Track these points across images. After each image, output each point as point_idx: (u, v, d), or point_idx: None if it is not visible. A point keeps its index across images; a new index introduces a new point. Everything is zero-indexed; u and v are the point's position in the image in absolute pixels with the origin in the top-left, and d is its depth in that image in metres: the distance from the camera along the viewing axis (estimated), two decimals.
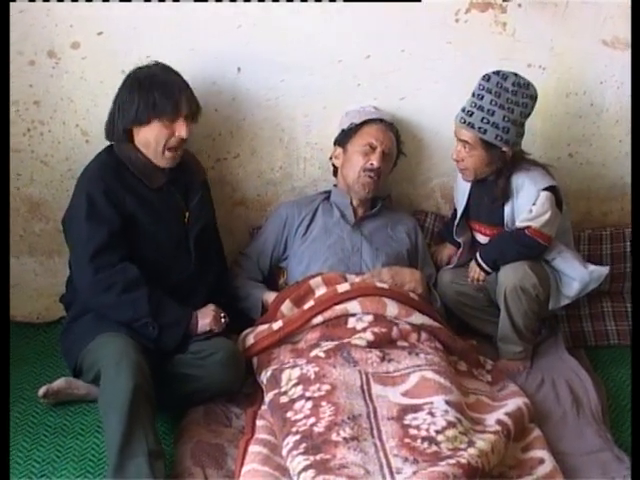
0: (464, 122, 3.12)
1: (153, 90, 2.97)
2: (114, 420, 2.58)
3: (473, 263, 3.29)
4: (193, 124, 3.09)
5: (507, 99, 3.07)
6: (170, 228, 3.10)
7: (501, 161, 3.16)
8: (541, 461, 2.66)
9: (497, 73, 3.10)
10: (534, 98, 3.12)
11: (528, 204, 3.16)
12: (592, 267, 3.25)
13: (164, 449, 2.70)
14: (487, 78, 3.10)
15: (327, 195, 3.50)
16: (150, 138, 3.02)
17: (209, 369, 2.88)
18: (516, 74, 3.11)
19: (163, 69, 3.07)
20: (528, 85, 3.11)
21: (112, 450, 2.56)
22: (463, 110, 3.13)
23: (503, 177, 3.18)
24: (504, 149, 3.13)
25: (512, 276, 3.17)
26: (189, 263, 3.11)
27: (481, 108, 3.08)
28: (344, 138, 3.40)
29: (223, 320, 3.03)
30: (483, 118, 3.08)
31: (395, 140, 3.41)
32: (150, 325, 2.89)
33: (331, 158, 3.48)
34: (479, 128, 3.09)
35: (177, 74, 3.08)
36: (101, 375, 2.72)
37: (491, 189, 3.22)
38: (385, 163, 3.36)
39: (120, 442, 2.54)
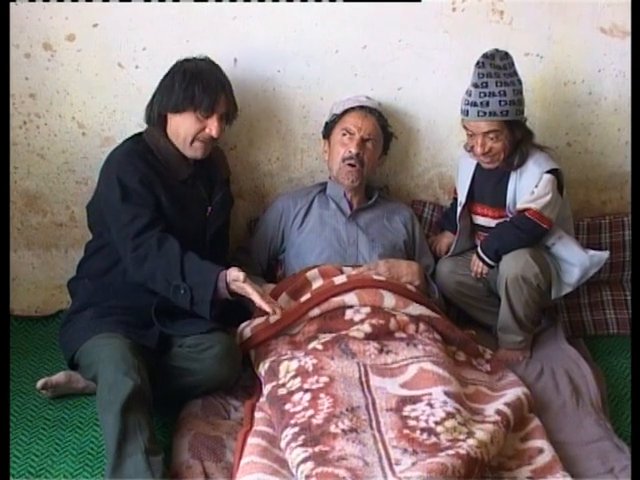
0: (484, 114, 3.10)
1: (195, 82, 3.02)
2: (110, 421, 2.57)
3: (475, 257, 3.28)
4: (227, 125, 3.16)
5: (505, 74, 3.11)
6: (191, 221, 3.13)
7: (524, 130, 3.19)
8: (540, 451, 2.65)
9: (485, 56, 3.11)
10: (514, 62, 3.15)
11: (531, 186, 3.17)
12: (592, 252, 3.25)
13: (163, 442, 2.71)
14: (481, 64, 3.10)
15: (323, 187, 3.49)
16: (181, 128, 3.06)
17: (206, 363, 2.87)
18: (496, 49, 3.13)
19: (210, 66, 3.10)
20: (507, 54, 3.14)
21: (110, 450, 2.56)
22: (475, 104, 3.11)
23: (523, 143, 3.19)
24: (523, 120, 3.18)
25: (513, 265, 3.16)
26: (201, 257, 3.10)
27: (492, 94, 3.08)
28: (327, 130, 3.41)
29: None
30: (500, 101, 3.08)
31: (378, 124, 3.38)
32: (182, 289, 2.90)
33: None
34: (501, 112, 3.09)
35: (223, 74, 3.12)
36: (98, 376, 2.72)
37: (506, 160, 3.21)
38: (367, 149, 3.33)
39: (116, 442, 2.54)
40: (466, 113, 3.15)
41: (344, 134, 3.32)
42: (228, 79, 3.13)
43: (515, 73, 3.13)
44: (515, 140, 3.18)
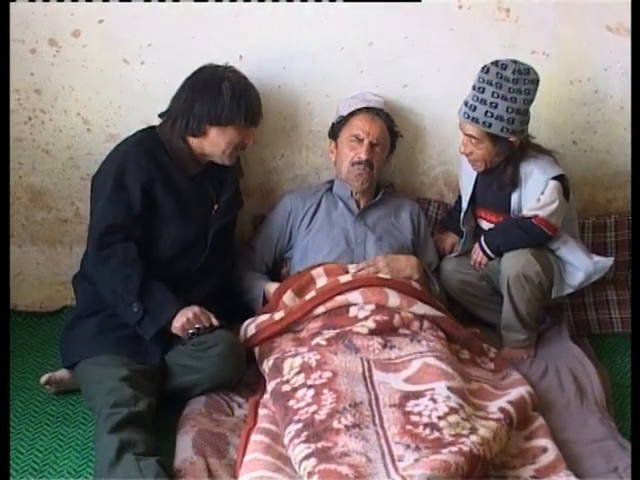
0: (468, 117, 3.08)
1: (244, 97, 3.06)
2: (101, 446, 2.59)
3: (477, 246, 3.28)
4: None
5: (509, 89, 3.02)
6: (195, 218, 3.13)
7: (509, 150, 3.13)
8: (544, 450, 2.65)
9: (496, 63, 3.05)
10: (536, 82, 3.08)
11: (536, 193, 3.15)
12: (597, 258, 3.25)
13: (166, 439, 2.71)
14: (486, 70, 3.05)
15: (330, 185, 3.48)
16: (222, 139, 3.09)
17: (209, 361, 2.88)
18: (515, 61, 3.05)
19: (243, 76, 3.13)
20: (529, 70, 3.06)
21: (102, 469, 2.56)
22: (466, 104, 3.10)
23: (512, 165, 3.16)
24: (511, 139, 3.11)
25: (515, 264, 3.16)
26: (201, 255, 3.12)
27: (483, 101, 3.05)
28: (334, 132, 3.40)
29: (191, 331, 2.94)
30: (487, 112, 3.04)
31: (385, 126, 3.36)
32: (135, 306, 2.90)
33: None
34: (484, 122, 3.06)
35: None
36: (94, 409, 2.75)
37: (499, 176, 3.20)
38: (376, 153, 3.33)
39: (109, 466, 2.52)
40: (459, 109, 3.14)
41: (353, 138, 3.31)
42: None
43: (525, 91, 3.03)
44: (498, 155, 3.15)
